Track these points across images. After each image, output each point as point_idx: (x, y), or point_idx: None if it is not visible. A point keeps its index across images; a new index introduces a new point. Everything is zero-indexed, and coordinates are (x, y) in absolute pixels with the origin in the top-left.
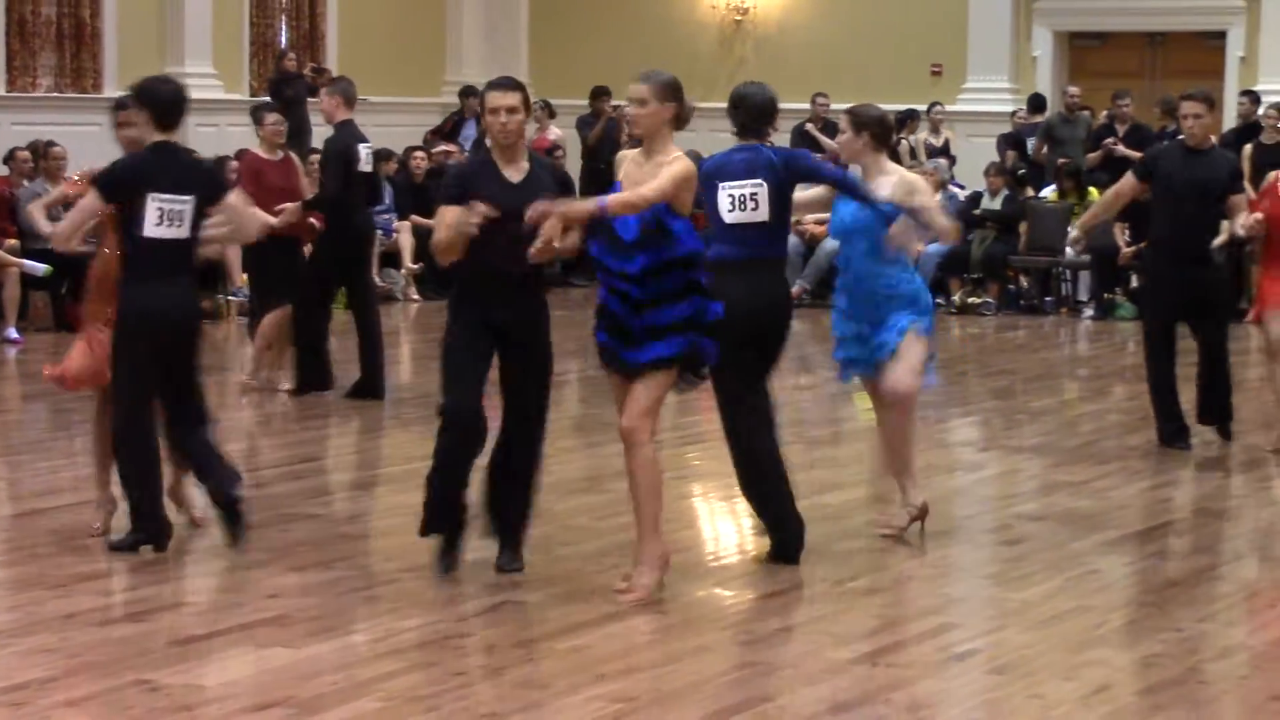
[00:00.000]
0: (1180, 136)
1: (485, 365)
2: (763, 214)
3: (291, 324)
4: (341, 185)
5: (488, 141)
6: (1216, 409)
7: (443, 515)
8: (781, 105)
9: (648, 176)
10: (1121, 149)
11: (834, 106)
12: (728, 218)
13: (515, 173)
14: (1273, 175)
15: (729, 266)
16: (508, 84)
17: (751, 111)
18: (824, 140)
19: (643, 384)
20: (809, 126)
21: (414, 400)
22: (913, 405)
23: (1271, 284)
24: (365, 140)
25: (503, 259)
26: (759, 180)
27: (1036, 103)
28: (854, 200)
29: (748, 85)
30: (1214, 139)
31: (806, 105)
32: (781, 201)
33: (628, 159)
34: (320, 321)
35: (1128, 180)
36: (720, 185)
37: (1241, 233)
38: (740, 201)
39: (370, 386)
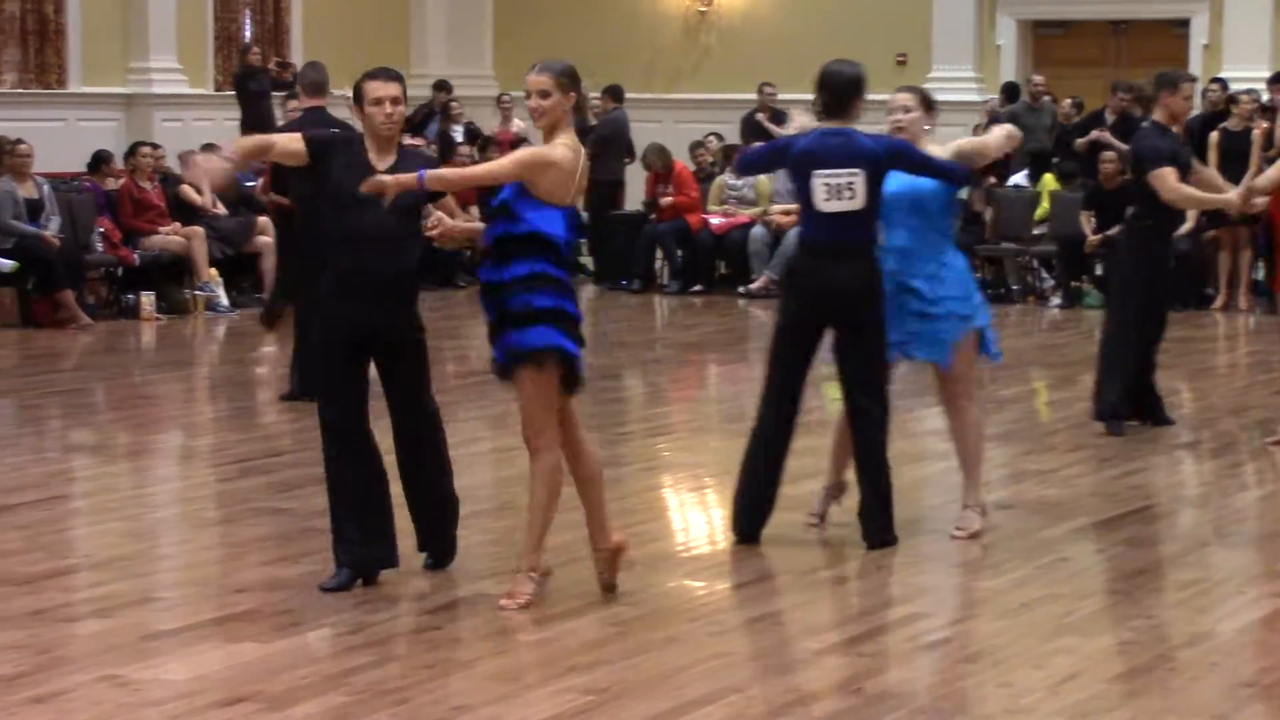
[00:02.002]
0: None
1: (360, 378)
2: (858, 202)
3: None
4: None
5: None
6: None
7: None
8: (748, 96)
9: None
10: (1107, 137)
11: (781, 96)
12: (824, 206)
13: (382, 162)
14: None
15: (821, 249)
16: (390, 74)
17: (837, 86)
18: (773, 129)
19: (517, 388)
20: (759, 116)
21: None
22: (971, 416)
23: None
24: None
25: (369, 254)
26: (856, 169)
27: (1010, 91)
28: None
29: (834, 62)
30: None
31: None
32: (878, 189)
33: None
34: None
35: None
36: (814, 173)
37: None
38: (835, 191)
39: None
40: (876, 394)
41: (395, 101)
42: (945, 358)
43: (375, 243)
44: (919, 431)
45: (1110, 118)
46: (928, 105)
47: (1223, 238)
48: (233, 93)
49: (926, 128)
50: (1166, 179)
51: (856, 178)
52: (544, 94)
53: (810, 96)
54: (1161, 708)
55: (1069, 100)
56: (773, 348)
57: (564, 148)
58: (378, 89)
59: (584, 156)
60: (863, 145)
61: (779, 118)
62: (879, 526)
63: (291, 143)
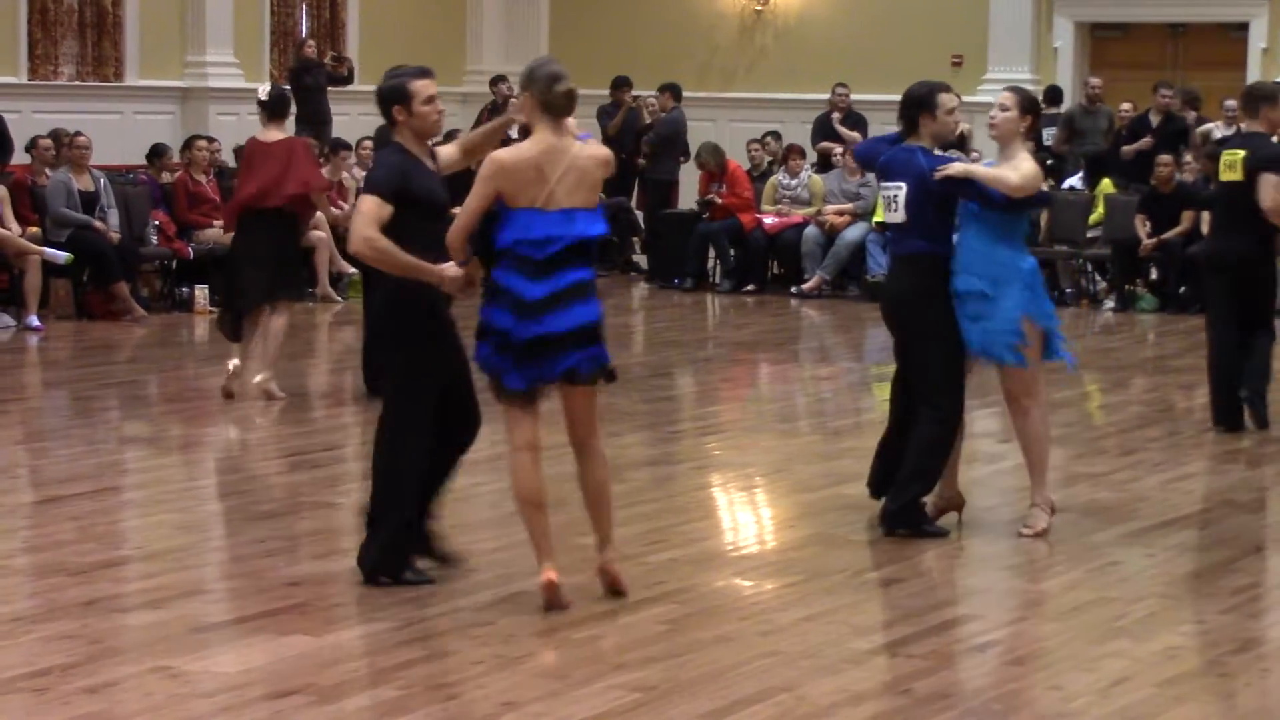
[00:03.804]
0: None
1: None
2: (899, 216)
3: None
4: None
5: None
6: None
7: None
8: (802, 96)
9: None
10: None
11: (853, 97)
12: (884, 217)
13: (429, 161)
14: None
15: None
16: (431, 72)
17: (904, 105)
18: (844, 131)
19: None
20: (833, 117)
21: None
22: (1038, 417)
23: None
24: None
25: (441, 254)
26: (900, 183)
27: (1053, 94)
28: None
29: (915, 84)
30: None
31: (826, 95)
32: (923, 204)
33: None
34: None
35: None
36: (881, 185)
37: None
38: (888, 203)
39: None
40: (926, 399)
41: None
42: (1005, 356)
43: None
44: (970, 434)
45: (1155, 119)
46: (1026, 108)
47: None
48: (288, 87)
49: (1022, 129)
50: (1272, 185)
51: (900, 192)
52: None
53: (867, 98)
54: (1212, 713)
55: (1127, 104)
56: None
57: (511, 147)
58: (430, 87)
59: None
60: (915, 162)
61: (851, 119)
62: (889, 512)
63: (382, 213)
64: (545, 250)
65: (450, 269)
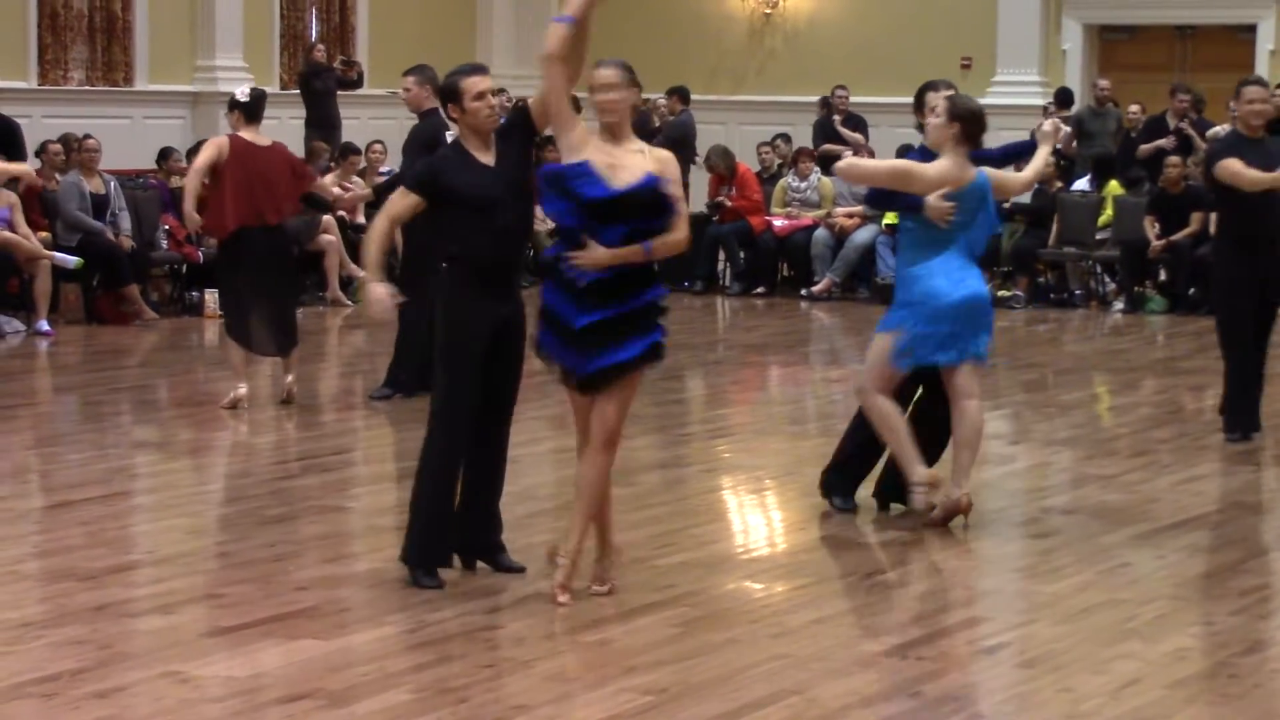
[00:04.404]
0: (1230, 128)
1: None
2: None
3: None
4: None
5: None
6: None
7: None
8: (812, 99)
9: (621, 161)
10: (1189, 130)
11: (864, 100)
12: None
13: (489, 156)
14: None
15: None
16: (483, 68)
17: None
18: (846, 133)
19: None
20: (834, 119)
21: None
22: (867, 404)
23: None
24: (450, 129)
25: (498, 248)
26: None
27: (1063, 96)
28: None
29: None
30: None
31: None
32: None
33: (591, 144)
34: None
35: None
36: None
37: None
38: None
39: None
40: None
41: (494, 93)
42: None
43: (516, 236)
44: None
45: (1173, 121)
46: (953, 115)
47: None
48: (298, 91)
49: (950, 135)
50: (1230, 166)
51: None
52: (611, 86)
53: (877, 100)
54: (1222, 714)
55: (1136, 106)
56: None
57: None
58: (480, 84)
59: None
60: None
61: (851, 121)
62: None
63: (403, 202)
64: None
65: (377, 289)
